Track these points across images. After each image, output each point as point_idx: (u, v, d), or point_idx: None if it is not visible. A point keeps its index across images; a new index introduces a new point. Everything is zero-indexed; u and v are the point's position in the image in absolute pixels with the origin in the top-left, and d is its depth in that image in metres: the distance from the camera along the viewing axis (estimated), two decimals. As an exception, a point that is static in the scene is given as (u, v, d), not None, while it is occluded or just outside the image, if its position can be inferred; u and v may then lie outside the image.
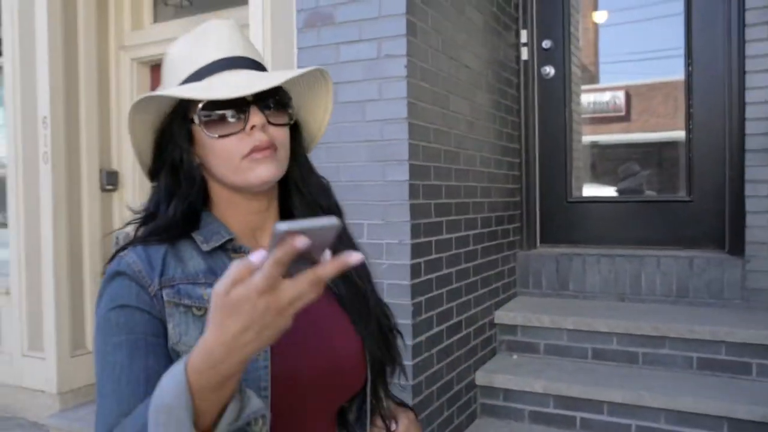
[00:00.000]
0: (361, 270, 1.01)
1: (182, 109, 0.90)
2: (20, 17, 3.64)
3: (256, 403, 0.72)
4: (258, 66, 0.93)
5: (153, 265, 0.87)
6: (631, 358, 2.79)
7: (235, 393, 0.70)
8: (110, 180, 3.82)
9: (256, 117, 0.87)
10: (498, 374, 2.79)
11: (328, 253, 0.64)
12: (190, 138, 0.91)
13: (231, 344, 0.64)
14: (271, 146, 0.88)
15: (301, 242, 0.59)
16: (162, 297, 0.84)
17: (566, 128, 3.43)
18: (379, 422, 1.00)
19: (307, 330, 0.89)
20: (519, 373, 2.78)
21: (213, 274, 0.87)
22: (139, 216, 0.93)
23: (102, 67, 3.81)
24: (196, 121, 0.88)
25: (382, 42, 2.19)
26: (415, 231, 2.23)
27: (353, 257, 0.62)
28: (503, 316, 3.04)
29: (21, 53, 3.65)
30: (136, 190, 3.85)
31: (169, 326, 0.84)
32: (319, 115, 1.01)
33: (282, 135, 0.91)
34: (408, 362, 2.20)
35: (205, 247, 0.89)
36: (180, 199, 0.90)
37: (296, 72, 0.90)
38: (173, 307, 0.84)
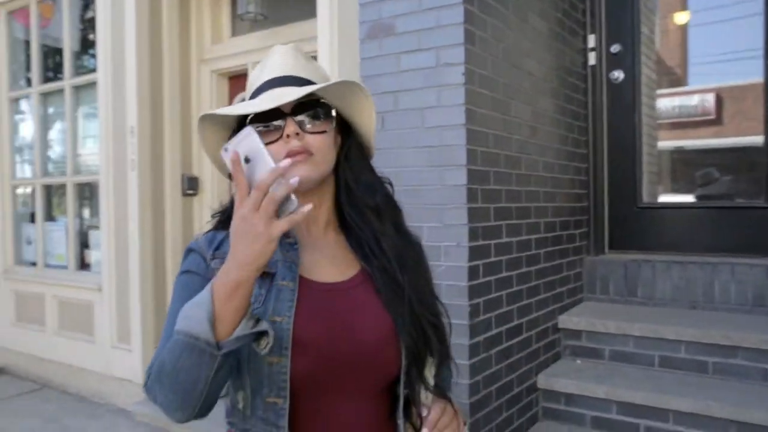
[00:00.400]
0: (410, 262, 1.08)
1: (245, 121, 1.04)
2: (112, 35, 3.95)
3: (264, 325, 0.91)
4: (304, 82, 1.06)
5: (212, 243, 1.06)
6: (700, 367, 2.72)
7: (248, 314, 0.89)
8: (191, 185, 4.08)
9: (289, 127, 1.01)
10: (560, 378, 2.79)
11: (269, 160, 0.87)
12: None
13: (233, 254, 0.86)
14: (305, 152, 1.01)
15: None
16: (212, 266, 1.02)
17: (636, 133, 3.38)
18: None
19: (334, 310, 1.02)
20: (582, 378, 2.77)
21: None
22: (216, 213, 1.11)
23: (184, 79, 4.07)
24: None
25: (441, 51, 2.27)
26: (473, 234, 2.29)
27: (284, 162, 0.87)
28: (567, 320, 3.03)
29: (113, 68, 3.95)
30: (214, 194, 4.08)
31: None
32: (365, 121, 1.12)
33: (319, 141, 1.03)
34: (464, 361, 2.25)
35: None
36: None
37: (316, 86, 1.02)
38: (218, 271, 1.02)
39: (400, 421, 1.06)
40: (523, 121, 2.68)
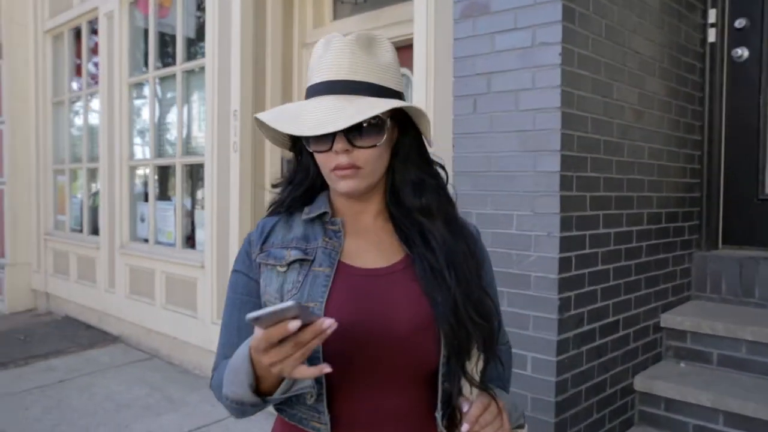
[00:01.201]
0: (459, 258, 1.04)
1: None
2: (219, 21, 4.09)
3: (306, 382, 0.95)
4: (359, 87, 0.99)
5: (262, 234, 1.10)
6: (825, 379, 2.46)
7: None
8: (289, 168, 4.16)
9: (338, 144, 0.98)
10: (660, 381, 2.61)
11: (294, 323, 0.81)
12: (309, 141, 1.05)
13: (264, 363, 0.87)
14: (352, 167, 1.00)
15: (293, 325, 0.81)
16: (258, 261, 1.07)
17: (760, 117, 3.08)
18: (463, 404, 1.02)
19: (369, 295, 1.01)
20: (685, 383, 2.58)
21: (305, 240, 1.06)
22: (278, 182, 1.14)
23: (286, 64, 4.15)
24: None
25: (537, 30, 2.15)
26: (566, 224, 2.17)
27: (326, 323, 0.84)
28: (671, 319, 2.83)
29: (219, 53, 4.10)
30: (311, 178, 4.13)
31: (261, 282, 1.06)
32: (424, 127, 1.07)
33: (368, 155, 1.00)
34: (551, 357, 2.15)
35: (305, 217, 1.09)
36: (295, 185, 1.11)
37: (372, 112, 0.95)
38: (263, 267, 1.06)
39: (438, 414, 1.03)
40: (627, 105, 2.50)
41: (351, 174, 1.00)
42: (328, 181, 1.05)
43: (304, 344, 0.84)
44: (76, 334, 5.27)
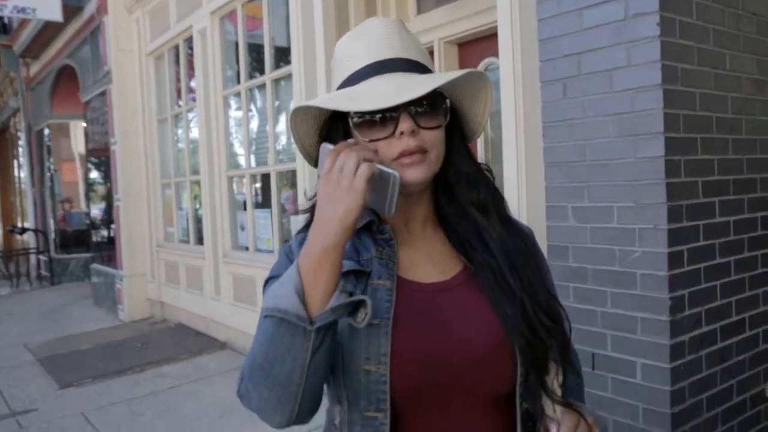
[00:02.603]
0: (520, 258, 0.95)
1: (340, 111, 0.93)
2: (303, 27, 4.11)
3: (360, 296, 0.84)
4: (414, 66, 0.91)
5: (303, 244, 0.94)
6: None
7: (340, 286, 0.83)
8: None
9: (405, 123, 0.87)
10: (799, 388, 2.30)
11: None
12: (348, 136, 0.93)
13: (318, 218, 0.82)
14: (420, 150, 0.89)
15: (350, 141, 0.87)
16: None
17: None
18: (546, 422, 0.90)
19: (435, 313, 0.91)
20: (830, 389, 2.25)
21: (355, 252, 0.94)
22: (309, 202, 0.98)
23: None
24: (351, 123, 0.91)
25: (630, 0, 1.94)
26: (674, 214, 1.95)
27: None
28: (810, 317, 2.49)
29: (305, 59, 4.12)
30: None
31: None
32: (479, 111, 0.98)
33: (434, 137, 0.91)
34: (665, 364, 1.94)
35: None
36: None
37: (444, 78, 0.88)
38: None
39: None
40: (744, 74, 2.23)
41: (419, 160, 0.89)
42: None
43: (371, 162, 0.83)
44: (187, 341, 5.50)
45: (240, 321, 5.06)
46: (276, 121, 4.80)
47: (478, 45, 3.59)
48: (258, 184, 5.23)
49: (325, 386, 0.94)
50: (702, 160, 2.05)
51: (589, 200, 2.13)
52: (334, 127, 0.94)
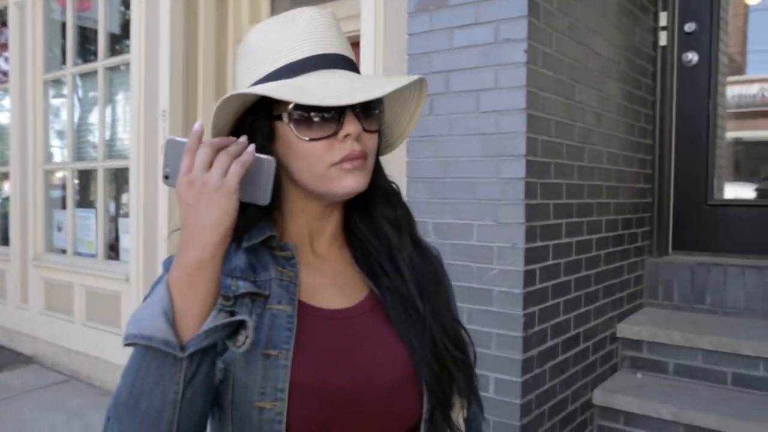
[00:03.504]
0: (430, 283, 0.91)
1: (267, 104, 0.83)
2: (146, 14, 3.79)
3: (240, 316, 0.73)
4: (351, 65, 0.86)
5: None
6: (783, 388, 2.42)
7: (218, 304, 0.73)
8: (224, 172, 3.90)
9: (351, 125, 0.81)
10: (618, 395, 2.51)
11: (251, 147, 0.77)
12: (272, 135, 0.84)
13: (187, 226, 0.72)
14: (363, 156, 0.82)
15: (197, 125, 0.75)
16: None
17: (709, 122, 3.05)
18: None
19: (340, 343, 0.85)
20: (644, 396, 2.49)
21: (251, 270, 0.84)
22: None
23: (220, 61, 3.89)
24: (285, 119, 0.82)
25: (500, 25, 2.00)
26: (531, 234, 2.03)
27: (251, 146, 0.76)
28: (627, 329, 2.75)
29: (146, 49, 3.80)
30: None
31: None
32: (404, 123, 0.94)
33: (373, 143, 0.86)
34: (517, 379, 2.00)
35: (245, 244, 0.85)
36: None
37: (403, 81, 0.82)
38: None
39: None
40: (588, 107, 2.40)
41: (361, 165, 0.82)
42: (317, 182, 0.84)
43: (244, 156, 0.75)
44: (-18, 356, 4.79)
45: (51, 332, 4.52)
46: (110, 113, 4.38)
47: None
48: (83, 181, 4.72)
49: (209, 423, 0.82)
50: (554, 183, 2.17)
51: (451, 217, 2.16)
52: (257, 122, 0.83)
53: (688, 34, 3.06)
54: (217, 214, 0.72)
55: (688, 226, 3.13)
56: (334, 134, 0.81)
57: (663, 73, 3.09)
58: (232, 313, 0.74)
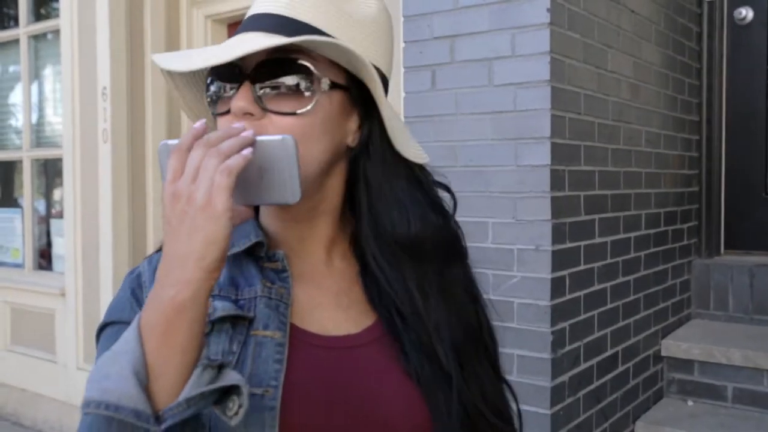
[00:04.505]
0: (463, 338, 0.88)
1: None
2: (79, -31, 3.74)
3: (232, 375, 0.68)
4: (289, 27, 0.80)
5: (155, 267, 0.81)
6: None
7: (203, 358, 0.69)
8: (179, 162, 3.88)
9: (239, 99, 0.78)
10: (666, 428, 2.50)
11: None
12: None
13: (166, 254, 0.68)
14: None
15: (199, 124, 0.71)
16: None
17: (768, 93, 3.05)
18: None
19: (341, 380, 0.82)
20: (697, 428, 2.49)
21: (233, 286, 0.82)
22: None
23: (171, 27, 3.86)
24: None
25: (517, -22, 1.98)
26: (558, 233, 2.01)
27: (248, 132, 0.71)
28: (673, 347, 2.74)
29: (79, 13, 3.77)
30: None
31: None
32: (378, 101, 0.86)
33: (284, 128, 0.78)
34: (546, 411, 1.98)
35: (228, 252, 0.80)
36: None
37: (285, 40, 0.76)
38: None
39: None
40: (622, 78, 2.38)
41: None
42: None
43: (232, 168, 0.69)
44: None
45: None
46: (35, 90, 4.34)
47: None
48: (4, 175, 4.71)
49: None
50: (585, 171, 2.15)
51: (459, 213, 2.12)
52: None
53: (742, -15, 3.05)
54: (200, 241, 0.67)
55: (744, 220, 3.13)
56: (228, 111, 0.80)
57: (710, 34, 3.08)
58: (221, 368, 0.69)
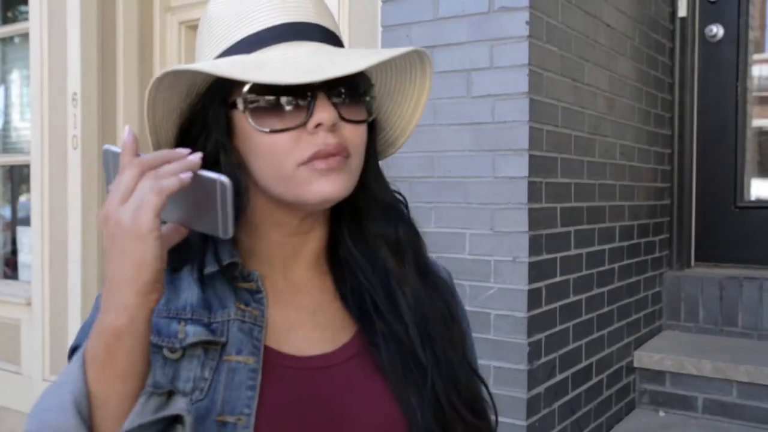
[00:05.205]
0: (437, 326, 0.87)
1: (222, 89, 0.79)
2: (50, -28, 3.70)
3: (178, 403, 0.68)
4: (332, 38, 0.81)
5: None
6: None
7: (147, 385, 0.68)
8: (151, 169, 3.85)
9: (324, 111, 0.76)
10: (640, 439, 2.53)
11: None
12: (230, 128, 0.80)
13: (107, 281, 0.67)
14: (342, 152, 0.77)
15: (129, 133, 0.71)
16: None
17: (738, 108, 3.10)
18: None
19: (317, 402, 0.81)
20: (670, 440, 2.51)
21: (206, 308, 0.79)
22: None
23: (144, 33, 3.81)
24: (240, 106, 0.77)
25: (496, -10, 2.00)
26: (535, 245, 2.02)
27: (194, 156, 0.69)
28: (645, 358, 2.77)
29: (49, 16, 3.71)
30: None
31: None
32: (407, 111, 0.90)
33: (358, 136, 0.80)
34: (521, 422, 1.99)
35: (207, 271, 0.81)
36: None
37: (390, 53, 0.77)
38: None
39: None
40: (598, 91, 2.41)
41: (339, 165, 0.77)
42: (283, 186, 0.79)
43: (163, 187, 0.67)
44: None
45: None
46: (1, 95, 4.28)
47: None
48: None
49: None
50: (561, 183, 2.17)
51: (437, 224, 2.14)
52: (211, 112, 0.79)
53: (712, 2, 3.10)
54: (129, 264, 0.65)
55: (714, 233, 3.17)
56: (303, 125, 0.76)
57: (683, 49, 3.13)
58: (170, 395, 0.69)
